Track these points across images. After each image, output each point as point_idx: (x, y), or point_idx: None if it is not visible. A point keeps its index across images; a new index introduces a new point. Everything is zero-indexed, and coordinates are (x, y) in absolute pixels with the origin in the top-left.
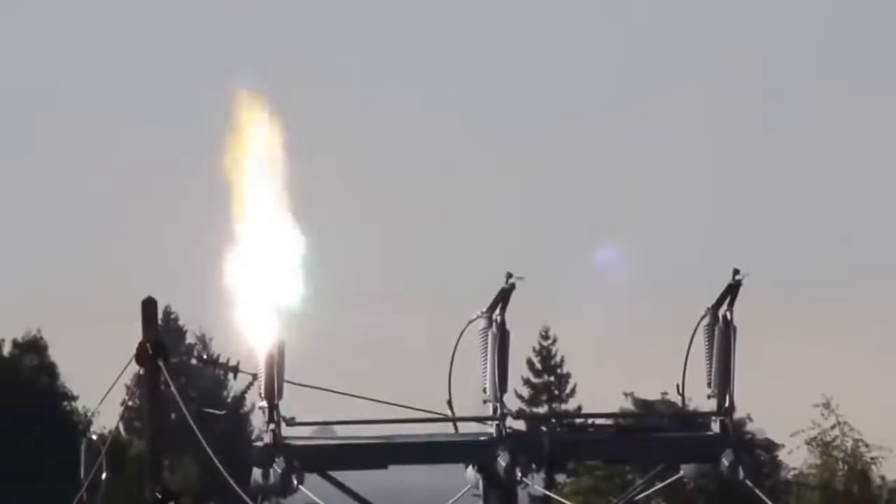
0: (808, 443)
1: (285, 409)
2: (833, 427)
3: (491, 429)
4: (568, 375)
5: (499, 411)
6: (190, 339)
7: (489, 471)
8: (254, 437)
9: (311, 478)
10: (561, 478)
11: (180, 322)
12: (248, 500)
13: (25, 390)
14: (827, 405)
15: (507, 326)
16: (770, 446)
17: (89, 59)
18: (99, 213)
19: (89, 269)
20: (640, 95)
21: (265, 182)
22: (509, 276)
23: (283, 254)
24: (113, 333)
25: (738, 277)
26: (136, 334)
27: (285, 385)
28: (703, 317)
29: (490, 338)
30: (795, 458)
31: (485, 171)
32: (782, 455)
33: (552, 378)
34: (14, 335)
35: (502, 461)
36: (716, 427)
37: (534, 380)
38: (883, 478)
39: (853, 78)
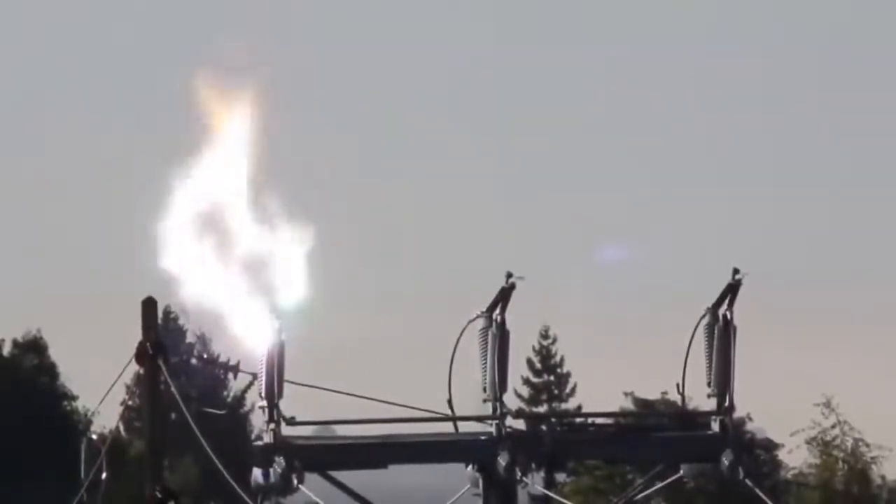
0: (808, 442)
1: (285, 408)
2: (833, 426)
3: (491, 428)
4: (568, 375)
5: (498, 411)
6: (190, 339)
7: (489, 470)
8: (254, 436)
9: (311, 478)
10: (561, 477)
11: (180, 322)
12: (248, 500)
13: (25, 390)
14: (827, 404)
15: (507, 326)
16: (770, 446)
17: (90, 58)
18: (99, 213)
19: (89, 269)
20: (640, 94)
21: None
22: (509, 276)
23: (282, 254)
24: (113, 333)
25: (738, 277)
26: (136, 334)
27: (285, 385)
28: (703, 316)
29: (490, 337)
30: (795, 457)
31: (485, 171)
32: (782, 455)
33: (552, 378)
34: (14, 335)
35: (502, 461)
36: (716, 427)
37: (534, 379)
38: (883, 477)
39: (853, 78)
